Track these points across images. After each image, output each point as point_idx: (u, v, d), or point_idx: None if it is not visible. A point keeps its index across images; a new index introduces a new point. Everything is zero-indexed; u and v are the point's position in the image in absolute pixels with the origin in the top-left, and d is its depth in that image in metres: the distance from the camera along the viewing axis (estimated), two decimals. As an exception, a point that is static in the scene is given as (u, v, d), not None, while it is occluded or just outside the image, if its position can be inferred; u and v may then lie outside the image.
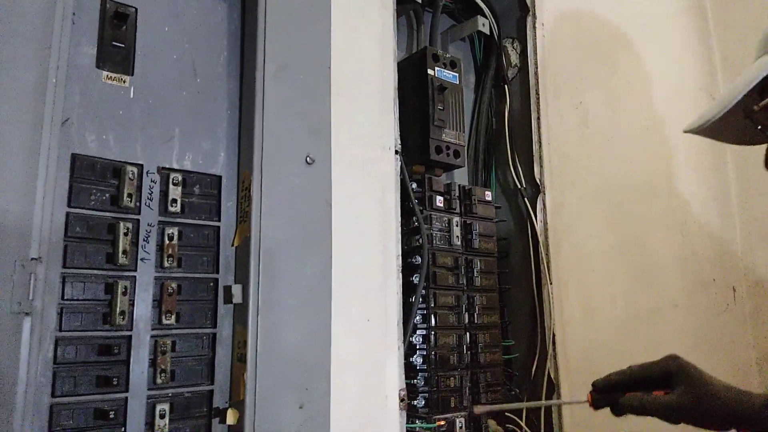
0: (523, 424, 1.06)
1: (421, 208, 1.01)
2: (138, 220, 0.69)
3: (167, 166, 0.72)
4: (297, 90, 0.79)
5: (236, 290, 0.73)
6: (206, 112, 0.76)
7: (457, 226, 1.05)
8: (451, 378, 0.99)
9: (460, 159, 1.09)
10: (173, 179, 0.72)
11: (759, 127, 0.72)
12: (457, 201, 1.07)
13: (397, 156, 0.94)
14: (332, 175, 0.83)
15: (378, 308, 0.86)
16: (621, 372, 0.95)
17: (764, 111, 0.71)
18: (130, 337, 0.66)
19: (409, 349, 0.96)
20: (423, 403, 0.96)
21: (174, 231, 0.71)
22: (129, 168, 0.68)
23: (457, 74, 1.08)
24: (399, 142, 0.95)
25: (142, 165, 0.70)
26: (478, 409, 0.99)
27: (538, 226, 1.16)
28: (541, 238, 1.15)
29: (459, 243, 1.05)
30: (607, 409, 0.93)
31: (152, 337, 0.68)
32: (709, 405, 0.90)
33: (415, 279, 0.98)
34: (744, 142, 0.83)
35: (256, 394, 0.70)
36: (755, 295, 1.74)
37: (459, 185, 1.08)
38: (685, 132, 0.88)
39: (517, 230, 1.20)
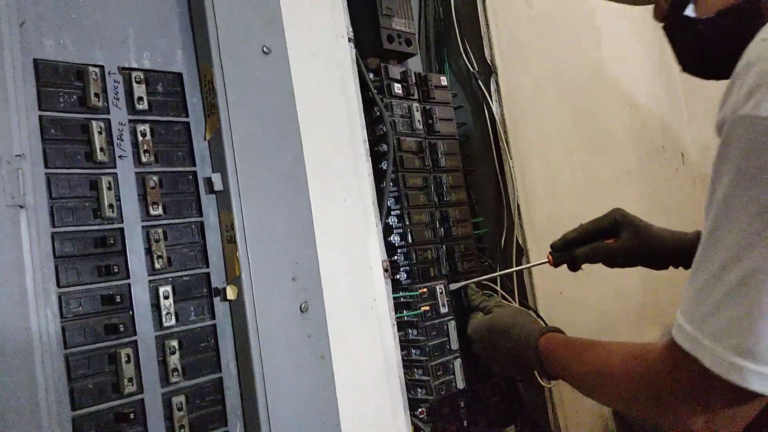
0: (498, 288, 1.15)
1: (381, 96, 1.05)
2: (109, 120, 0.71)
3: (127, 66, 0.74)
4: (244, -21, 0.80)
5: (216, 178, 0.77)
6: (157, 9, 0.77)
7: (417, 111, 1.09)
8: (428, 251, 1.06)
9: (413, 47, 1.12)
10: (135, 77, 0.73)
11: None
12: (415, 88, 1.11)
13: (351, 44, 0.96)
14: (291, 65, 0.85)
15: (353, 189, 0.91)
16: (574, 230, 1.05)
17: None
18: (123, 228, 0.70)
19: (386, 230, 1.03)
20: (405, 276, 1.03)
21: (146, 128, 0.73)
22: (91, 69, 0.70)
23: (399, -40, 1.09)
24: (351, 30, 0.97)
25: (102, 66, 0.71)
26: (453, 286, 1.08)
27: (494, 107, 1.21)
28: (498, 117, 1.20)
29: (421, 127, 1.10)
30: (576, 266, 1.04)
31: (143, 227, 0.71)
32: (652, 244, 1.01)
33: (384, 165, 1.03)
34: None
35: (250, 270, 0.75)
36: (704, 159, 1.86)
37: (415, 72, 1.11)
38: None
39: (475, 113, 1.25)
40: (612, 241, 1.03)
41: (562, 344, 0.86)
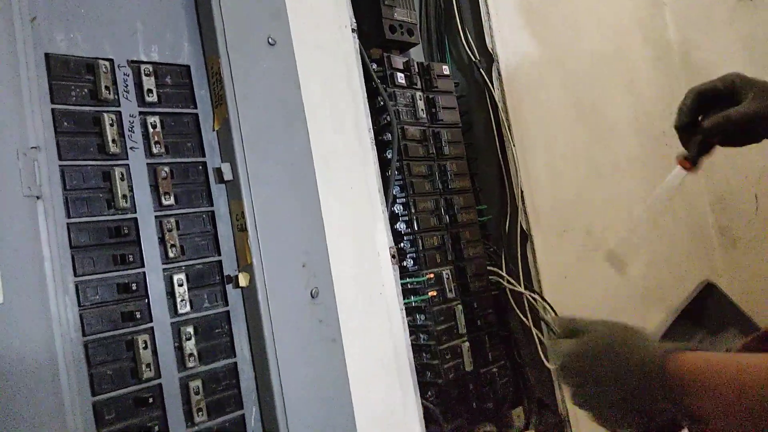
0: (504, 272, 1.16)
1: (384, 86, 1.06)
2: (120, 112, 0.72)
3: (136, 59, 0.75)
4: (248, -29, 0.81)
5: (225, 168, 0.78)
6: (164, 2, 0.78)
7: (420, 100, 1.11)
8: (434, 237, 1.07)
9: (415, 36, 1.13)
10: (144, 70, 0.75)
11: None
12: (418, 77, 1.12)
13: (354, 35, 0.97)
14: (296, 56, 0.86)
15: (359, 178, 0.93)
16: (684, 99, 0.83)
17: None
18: (136, 219, 0.71)
19: (393, 218, 1.04)
20: (412, 263, 1.05)
21: (156, 120, 0.75)
22: (101, 62, 0.71)
23: (399, -49, 1.10)
24: (354, 20, 0.98)
25: (112, 59, 0.73)
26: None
27: (496, 94, 1.22)
28: (500, 105, 1.21)
29: (425, 116, 1.11)
30: None
31: (156, 217, 0.73)
32: None
33: (388, 154, 1.04)
34: None
35: (261, 257, 0.77)
36: (704, 144, 1.85)
37: (417, 62, 1.13)
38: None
39: (477, 102, 1.26)
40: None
41: (703, 364, 0.57)
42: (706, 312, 1.58)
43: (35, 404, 0.58)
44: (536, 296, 1.17)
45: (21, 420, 0.57)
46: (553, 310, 1.17)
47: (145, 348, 0.68)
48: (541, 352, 1.15)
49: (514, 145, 1.20)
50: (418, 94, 1.11)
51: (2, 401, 0.56)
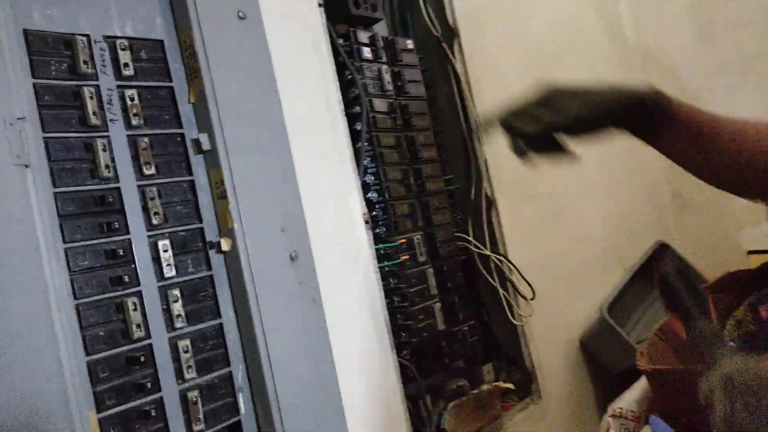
0: (471, 238, 1.22)
1: (351, 60, 1.10)
2: (98, 86, 0.74)
3: (111, 35, 0.77)
4: (217, -52, 0.83)
5: (203, 138, 0.81)
6: (136, -21, 0.80)
7: (387, 74, 1.15)
8: (404, 205, 1.12)
9: (378, 12, 1.17)
10: (120, 45, 0.77)
11: None
12: (383, 51, 1.16)
13: (321, 8, 1.01)
14: (265, 29, 0.90)
15: (331, 147, 0.97)
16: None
17: None
18: (119, 188, 0.74)
19: (364, 187, 1.09)
20: (384, 230, 1.10)
21: (134, 92, 0.77)
22: (78, 38, 0.73)
23: (361, -72, 1.13)
24: (319, -6, 1.01)
25: (88, 35, 0.75)
26: None
27: (458, 67, 1.27)
28: (462, 77, 1.27)
29: (391, 89, 1.16)
30: None
31: (139, 187, 0.76)
32: None
33: (358, 126, 1.08)
34: None
35: (242, 222, 0.81)
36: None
37: (382, 36, 1.17)
38: None
39: (440, 76, 1.31)
40: None
41: (693, 110, 0.71)
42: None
43: (36, 363, 0.61)
44: (502, 258, 1.24)
45: (22, 381, 0.60)
46: (518, 272, 1.24)
47: (135, 310, 0.72)
48: (508, 312, 1.23)
49: (477, 116, 1.26)
50: (384, 67, 1.15)
51: (4, 362, 0.59)
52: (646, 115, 0.71)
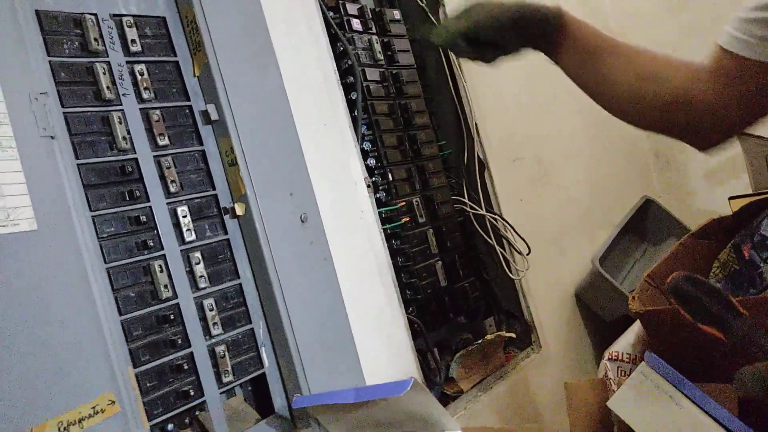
0: (466, 199, 1.28)
1: (343, 32, 1.14)
2: (109, 62, 0.78)
3: (117, 13, 0.80)
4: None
5: (211, 109, 0.85)
6: (136, -42, 0.83)
7: (377, 44, 1.19)
8: (402, 170, 1.17)
9: (365, -15, 1.21)
10: (126, 22, 0.80)
11: None
12: (372, 23, 1.20)
13: (312, -17, 1.04)
14: (261, 4, 0.93)
15: (330, 114, 1.01)
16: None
17: None
18: (137, 159, 0.78)
19: (363, 155, 1.13)
20: (384, 194, 1.15)
21: (142, 67, 0.81)
22: (88, 17, 0.76)
23: None
24: (309, -31, 1.05)
25: (96, 14, 0.78)
26: None
27: (445, 36, 1.31)
28: (449, 45, 1.31)
29: (382, 58, 1.20)
30: None
31: (155, 157, 0.80)
32: None
33: (353, 95, 1.12)
34: None
35: (254, 187, 0.85)
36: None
37: (370, 8, 1.20)
38: None
39: (428, 44, 1.35)
40: None
41: (593, 30, 0.81)
42: (647, 225, 1.76)
43: (79, 324, 0.65)
44: (497, 217, 1.29)
45: (68, 341, 0.64)
46: (513, 229, 1.30)
47: (161, 272, 0.76)
48: (506, 267, 1.29)
49: (465, 82, 1.31)
50: (375, 38, 1.19)
51: (52, 324, 0.63)
52: (548, 31, 0.82)
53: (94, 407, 0.64)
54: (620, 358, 1.24)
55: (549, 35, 0.83)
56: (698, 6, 1.87)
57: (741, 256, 1.24)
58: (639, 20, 1.97)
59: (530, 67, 1.58)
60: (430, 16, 1.29)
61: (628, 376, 1.18)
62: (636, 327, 1.28)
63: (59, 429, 0.61)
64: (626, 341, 1.26)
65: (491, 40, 0.86)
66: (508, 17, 0.82)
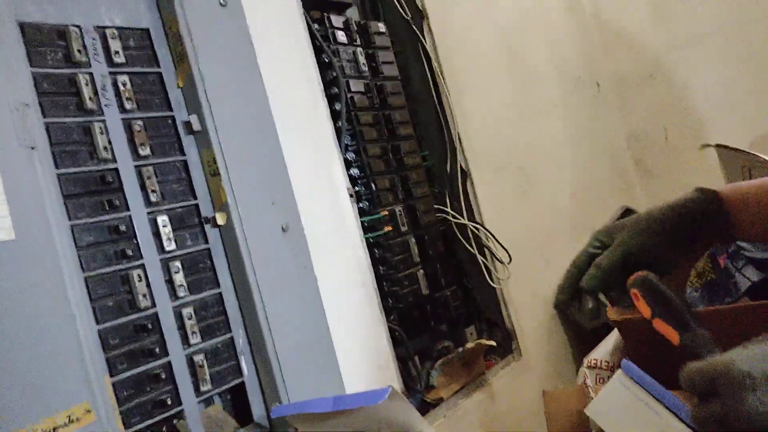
0: (449, 209, 1.29)
1: (327, 44, 1.15)
2: (92, 73, 0.79)
3: (101, 25, 0.81)
4: (196, -62, 0.88)
5: (194, 119, 0.86)
6: (120, -30, 0.84)
7: (361, 56, 1.21)
8: (385, 179, 1.18)
9: (351, -4, 1.23)
10: (110, 34, 0.81)
11: None
12: (357, 35, 1.21)
13: (296, -5, 1.06)
14: (245, 15, 0.94)
15: (314, 124, 1.03)
16: (566, 278, 0.79)
17: None
18: (117, 168, 0.78)
19: (346, 164, 1.14)
20: (367, 204, 1.16)
21: (125, 78, 0.81)
22: (72, 28, 0.77)
23: None
24: (293, -20, 1.06)
25: (80, 26, 0.79)
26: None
27: (429, 47, 1.33)
28: (433, 56, 1.33)
29: (367, 70, 1.21)
30: None
31: (136, 167, 0.80)
32: None
33: (337, 106, 1.14)
34: None
35: (235, 197, 0.86)
36: (618, 87, 2.06)
37: (355, 21, 1.22)
38: None
39: (412, 56, 1.37)
40: None
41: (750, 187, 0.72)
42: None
43: (56, 332, 0.66)
44: (479, 226, 1.31)
45: (44, 348, 0.65)
46: (495, 238, 1.32)
47: (140, 281, 0.76)
48: (487, 276, 1.30)
49: (448, 92, 1.33)
50: (359, 50, 1.20)
51: (29, 332, 0.64)
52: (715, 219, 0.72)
53: (69, 416, 0.64)
54: (599, 365, 1.25)
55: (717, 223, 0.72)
56: (682, 16, 1.91)
57: (717, 265, 1.27)
58: (624, 31, 2.00)
59: (515, 77, 1.61)
60: (414, 28, 1.31)
61: (606, 384, 1.20)
62: (614, 335, 1.30)
63: (34, 438, 0.61)
64: (605, 349, 1.28)
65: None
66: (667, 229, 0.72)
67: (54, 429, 0.63)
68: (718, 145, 1.50)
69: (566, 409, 1.12)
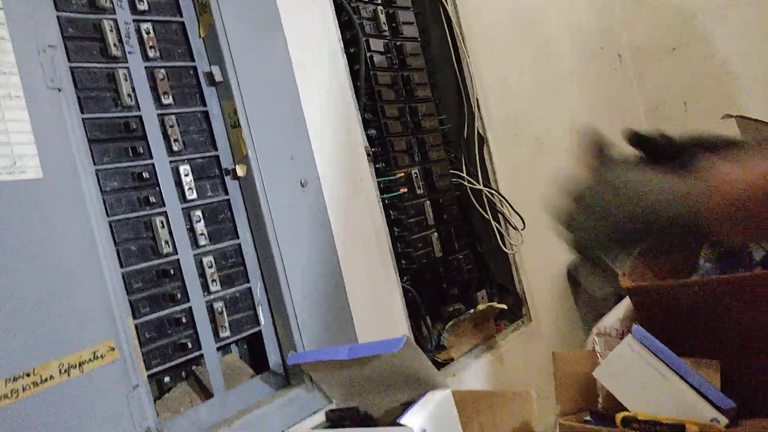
0: (464, 174, 1.29)
1: (348, 1, 1.14)
2: (116, 19, 0.79)
3: (125, -29, 0.81)
4: None
5: (215, 70, 0.86)
6: None
7: (382, 14, 1.19)
8: (402, 141, 1.18)
9: (372, -45, 1.21)
10: (134, -20, 0.81)
11: None
12: (378, -7, 1.20)
13: (319, -50, 1.05)
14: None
15: (333, 83, 1.02)
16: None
17: None
18: (141, 116, 0.79)
19: (364, 125, 1.14)
20: (384, 164, 1.16)
21: (149, 26, 0.81)
22: (95, -27, 0.77)
23: None
24: (317, -64, 1.05)
25: (103, -29, 0.78)
26: None
27: (450, 9, 1.31)
28: (454, 19, 1.31)
29: (386, 29, 1.20)
30: None
31: (159, 115, 0.81)
32: None
33: (356, 66, 1.13)
34: None
35: (255, 149, 0.86)
36: (638, 59, 2.03)
37: (376, -22, 1.21)
38: None
39: (432, 19, 1.35)
40: None
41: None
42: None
43: (84, 273, 0.67)
44: (494, 192, 1.31)
45: (73, 289, 0.66)
46: (509, 204, 1.32)
47: (163, 227, 0.78)
48: (500, 241, 1.31)
49: (468, 57, 1.31)
50: (380, 8, 1.19)
51: (59, 273, 0.65)
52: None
53: (94, 352, 0.66)
54: (608, 333, 1.26)
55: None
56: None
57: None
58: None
59: (533, 47, 1.59)
60: (436, -11, 1.29)
61: (616, 350, 1.21)
62: (625, 303, 1.31)
63: (60, 370, 0.63)
64: (615, 317, 1.29)
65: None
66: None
67: (80, 364, 0.65)
68: (738, 116, 1.48)
69: (575, 372, 1.13)
